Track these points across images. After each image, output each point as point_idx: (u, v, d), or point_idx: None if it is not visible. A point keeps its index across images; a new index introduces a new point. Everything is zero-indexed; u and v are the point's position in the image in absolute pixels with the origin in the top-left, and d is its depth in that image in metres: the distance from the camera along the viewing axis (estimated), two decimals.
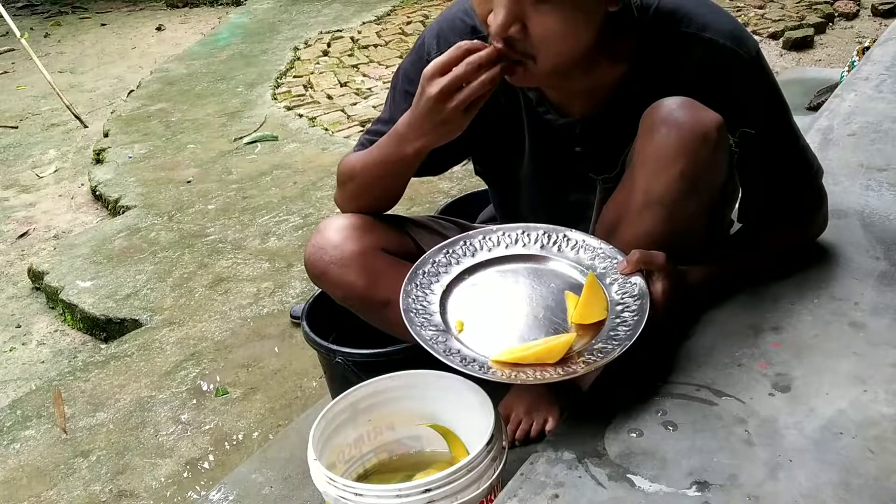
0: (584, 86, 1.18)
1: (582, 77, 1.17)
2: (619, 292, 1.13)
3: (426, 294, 1.15)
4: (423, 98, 1.07)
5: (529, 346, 1.08)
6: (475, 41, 1.06)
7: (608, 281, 1.15)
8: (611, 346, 1.06)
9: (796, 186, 1.27)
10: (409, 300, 1.13)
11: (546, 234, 1.23)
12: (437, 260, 1.20)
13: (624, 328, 1.08)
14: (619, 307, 1.11)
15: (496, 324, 1.14)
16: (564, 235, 1.22)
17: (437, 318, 1.13)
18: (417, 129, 1.12)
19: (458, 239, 1.23)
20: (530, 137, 1.26)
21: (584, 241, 1.21)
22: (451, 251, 1.22)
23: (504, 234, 1.24)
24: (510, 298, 1.16)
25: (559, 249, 1.21)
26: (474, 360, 1.06)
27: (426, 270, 1.19)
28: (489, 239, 1.23)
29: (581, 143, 1.23)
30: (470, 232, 1.24)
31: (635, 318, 1.08)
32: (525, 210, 1.35)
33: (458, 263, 1.20)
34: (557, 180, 1.29)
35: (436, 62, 1.06)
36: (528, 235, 1.23)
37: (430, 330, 1.10)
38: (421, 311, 1.13)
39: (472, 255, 1.21)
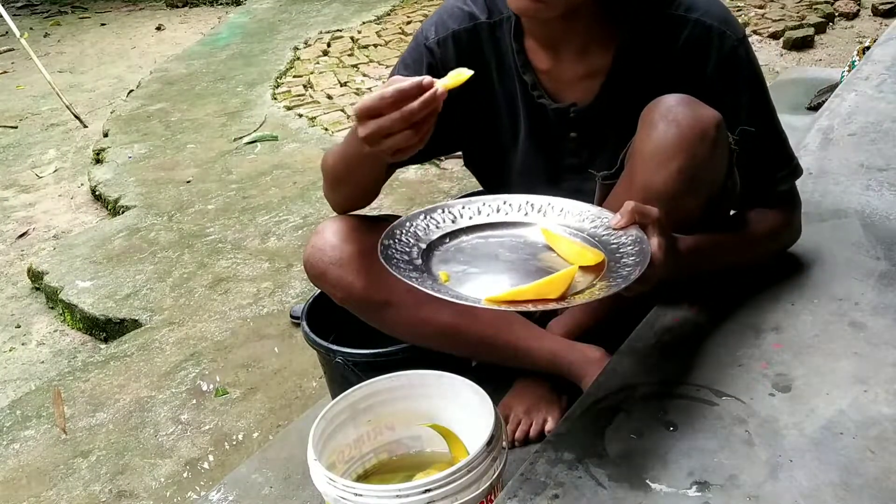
0: (577, 73, 1.21)
1: (574, 63, 1.20)
2: (614, 243, 1.07)
3: (408, 250, 1.09)
4: (356, 134, 1.03)
5: (526, 285, 1.00)
6: (412, 82, 0.97)
7: (602, 237, 1.10)
8: (614, 283, 0.99)
9: (776, 173, 1.27)
10: (389, 252, 1.06)
11: (529, 203, 1.19)
12: (415, 223, 1.15)
13: (626, 269, 1.01)
14: (618, 255, 1.05)
15: (485, 276, 1.07)
16: (549, 203, 1.18)
17: (422, 269, 1.06)
18: (360, 147, 1.08)
19: (436, 206, 1.19)
20: (526, 124, 1.27)
21: (569, 206, 1.17)
22: (429, 216, 1.16)
23: (485, 203, 1.20)
24: (497, 258, 1.11)
25: (544, 215, 1.17)
26: (467, 298, 0.99)
27: (404, 230, 1.13)
28: (468, 208, 1.19)
29: (575, 128, 1.24)
30: (449, 202, 1.21)
31: (636, 259, 1.01)
32: None
33: (437, 228, 1.15)
34: (552, 168, 1.29)
35: (368, 102, 0.99)
36: (509, 205, 1.20)
37: (413, 273, 1.03)
38: (403, 261, 1.06)
39: (453, 222, 1.17)
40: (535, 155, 1.29)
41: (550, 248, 1.11)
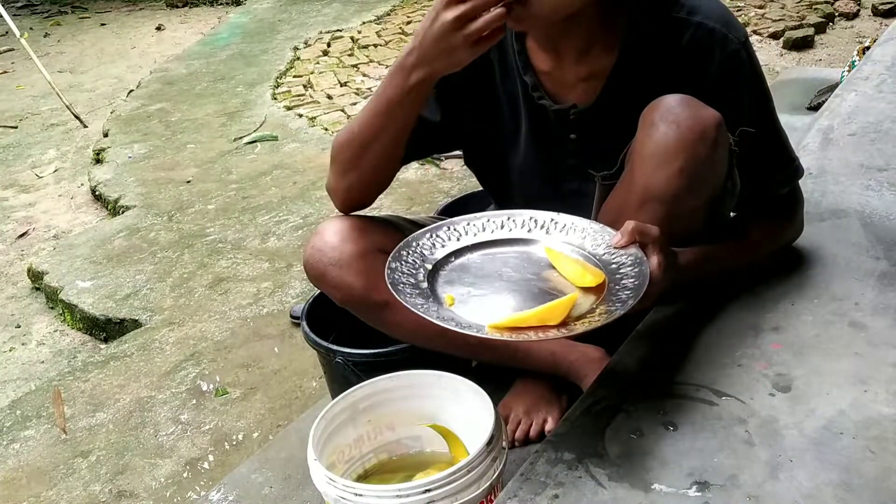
0: (578, 75, 1.21)
1: (575, 65, 1.20)
2: (614, 263, 1.10)
3: (414, 272, 1.11)
4: (437, 23, 1.04)
5: (527, 310, 1.02)
6: None
7: (602, 256, 1.12)
8: (614, 308, 1.01)
9: (777, 175, 1.28)
10: (396, 276, 1.09)
11: (532, 219, 1.21)
12: (421, 242, 1.17)
13: (626, 292, 1.03)
14: (618, 276, 1.07)
15: (489, 298, 1.09)
16: (552, 219, 1.20)
17: (427, 293, 1.09)
18: (424, 55, 1.08)
19: (441, 224, 1.20)
20: (527, 125, 1.26)
21: (572, 222, 1.18)
22: (435, 235, 1.18)
23: (489, 220, 1.21)
24: (501, 277, 1.13)
25: (547, 232, 1.19)
26: (470, 326, 1.01)
27: (411, 251, 1.15)
28: (473, 224, 1.21)
29: (575, 130, 1.24)
30: (454, 218, 1.22)
31: (635, 282, 1.04)
32: (519, 203, 1.35)
33: (443, 247, 1.17)
34: (553, 169, 1.29)
35: None
36: (513, 221, 1.21)
37: (419, 299, 1.06)
38: (409, 285, 1.09)
39: (458, 240, 1.19)
40: (535, 155, 1.29)
41: (554, 267, 1.13)
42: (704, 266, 1.22)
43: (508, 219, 1.21)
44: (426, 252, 1.16)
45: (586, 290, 1.07)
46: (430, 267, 1.13)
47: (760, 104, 1.22)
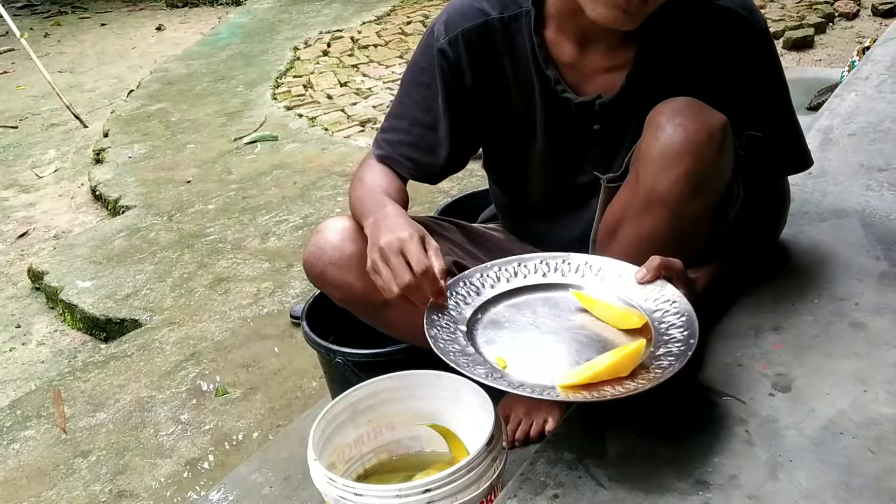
0: (602, 65, 1.20)
1: (600, 56, 1.19)
2: (647, 300, 1.10)
3: (453, 337, 1.09)
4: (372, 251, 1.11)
5: (595, 363, 1.01)
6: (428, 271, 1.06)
7: (629, 294, 1.12)
8: (676, 349, 1.01)
9: (789, 162, 1.29)
10: (440, 344, 1.05)
11: (544, 263, 1.20)
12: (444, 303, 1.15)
13: (678, 330, 1.04)
14: (658, 313, 1.08)
15: (539, 354, 1.07)
16: (564, 260, 1.20)
17: (479, 359, 1.05)
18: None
19: (457, 280, 1.18)
20: (545, 118, 1.25)
21: (585, 262, 1.19)
22: (454, 293, 1.15)
23: (501, 269, 1.20)
24: (538, 328, 1.11)
25: (563, 275, 1.19)
26: (544, 389, 0.99)
27: (441, 315, 1.12)
28: (487, 276, 1.19)
29: (599, 121, 1.23)
30: (466, 272, 1.20)
31: (683, 318, 1.05)
32: (534, 196, 1.34)
33: (466, 304, 1.15)
34: (572, 161, 1.28)
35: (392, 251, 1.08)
36: (525, 266, 1.20)
37: (479, 368, 1.02)
38: (459, 353, 1.05)
39: (478, 294, 1.17)
40: (555, 149, 1.27)
41: (584, 310, 1.13)
42: (717, 289, 1.23)
43: (519, 265, 1.21)
44: (454, 313, 1.13)
45: (627, 331, 1.08)
46: (464, 329, 1.11)
47: (778, 90, 1.24)
